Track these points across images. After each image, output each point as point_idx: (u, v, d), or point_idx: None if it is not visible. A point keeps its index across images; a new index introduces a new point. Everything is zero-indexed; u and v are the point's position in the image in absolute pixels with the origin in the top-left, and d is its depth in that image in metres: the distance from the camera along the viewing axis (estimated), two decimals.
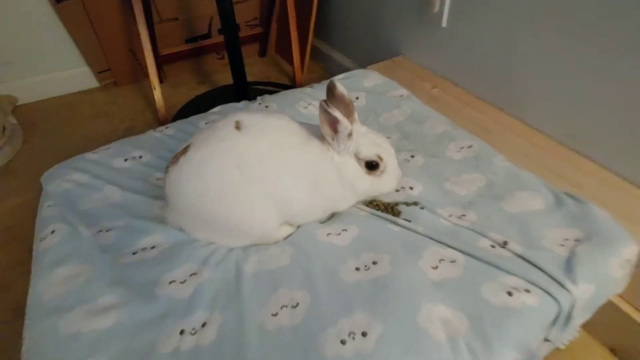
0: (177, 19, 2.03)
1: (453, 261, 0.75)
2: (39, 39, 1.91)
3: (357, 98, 1.26)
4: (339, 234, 0.80)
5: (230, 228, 0.75)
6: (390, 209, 0.88)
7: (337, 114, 0.70)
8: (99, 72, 2.08)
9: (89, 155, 1.05)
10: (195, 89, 2.13)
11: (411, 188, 0.92)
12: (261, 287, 0.70)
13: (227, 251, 0.77)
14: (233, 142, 0.72)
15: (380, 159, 0.77)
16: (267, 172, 0.72)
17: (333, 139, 0.74)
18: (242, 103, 1.21)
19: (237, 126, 0.73)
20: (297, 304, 0.67)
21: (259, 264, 0.74)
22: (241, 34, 2.26)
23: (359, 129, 0.77)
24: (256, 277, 0.71)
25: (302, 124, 0.79)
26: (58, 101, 2.03)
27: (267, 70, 2.36)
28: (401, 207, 0.88)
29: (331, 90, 0.74)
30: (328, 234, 0.80)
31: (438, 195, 0.91)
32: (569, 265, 0.74)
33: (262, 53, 2.47)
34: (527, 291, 0.70)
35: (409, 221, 0.84)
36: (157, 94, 1.73)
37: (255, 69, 2.35)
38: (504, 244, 0.78)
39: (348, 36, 2.01)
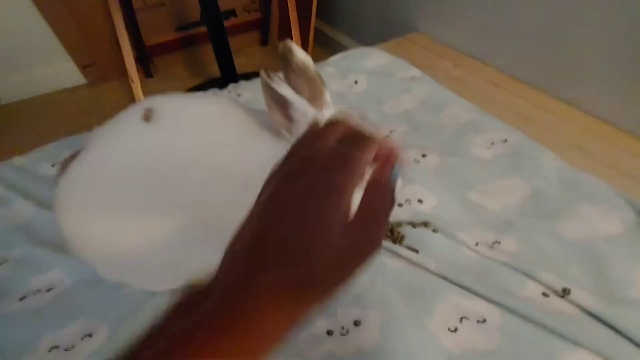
0: (164, 4, 1.82)
1: (482, 321, 0.48)
2: (18, 32, 1.76)
3: (355, 82, 1.00)
4: None
5: (141, 266, 0.51)
6: (389, 232, 0.61)
7: (285, 90, 0.44)
8: (84, 67, 1.91)
9: (17, 160, 0.85)
10: (187, 83, 1.92)
11: (420, 201, 0.65)
12: None
13: (144, 298, 0.53)
14: (135, 140, 0.48)
15: None
16: (190, 184, 0.48)
17: (290, 133, 0.49)
18: (210, 92, 0.98)
19: (146, 116, 0.49)
20: None
21: None
22: (237, 20, 2.04)
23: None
24: None
25: (250, 110, 0.54)
26: (41, 100, 1.87)
27: (269, 60, 2.12)
28: (405, 230, 0.61)
29: (287, 59, 0.49)
30: None
31: (460, 212, 0.63)
32: None
33: (264, 42, 2.23)
34: None
35: (416, 251, 0.57)
36: (136, 87, 1.53)
37: (255, 59, 2.13)
38: (564, 293, 0.50)
39: (355, 16, 1.74)
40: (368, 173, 0.27)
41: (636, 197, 0.64)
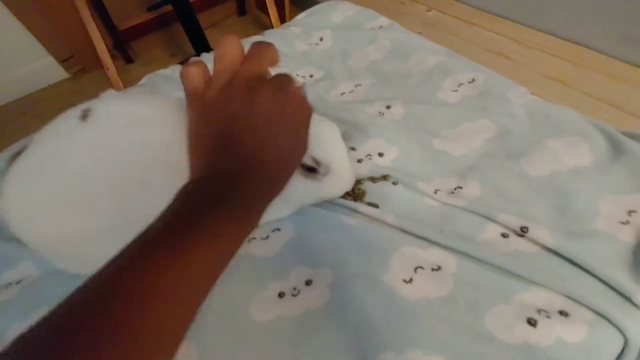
0: None
1: (437, 268, 0.47)
2: None
3: (321, 39, 0.95)
4: (267, 237, 0.54)
5: (87, 256, 0.51)
6: (350, 189, 0.59)
7: None
8: (63, 61, 1.89)
9: None
10: (167, 64, 1.87)
11: (380, 154, 0.62)
12: None
13: None
14: (71, 141, 0.47)
15: (317, 163, 0.48)
16: (131, 185, 0.46)
17: None
18: (170, 69, 0.95)
19: (84, 115, 0.48)
20: None
21: None
22: None
23: None
24: None
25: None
26: (27, 100, 1.87)
27: (247, 29, 2.05)
28: (366, 185, 0.59)
29: None
30: (250, 240, 0.54)
31: (422, 162, 0.61)
32: (639, 262, 0.43)
33: (241, 11, 2.15)
34: (564, 314, 0.40)
35: (377, 206, 0.56)
36: (112, 74, 1.51)
37: (233, 30, 2.06)
38: (522, 231, 0.48)
39: None
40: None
41: (620, 124, 0.59)
